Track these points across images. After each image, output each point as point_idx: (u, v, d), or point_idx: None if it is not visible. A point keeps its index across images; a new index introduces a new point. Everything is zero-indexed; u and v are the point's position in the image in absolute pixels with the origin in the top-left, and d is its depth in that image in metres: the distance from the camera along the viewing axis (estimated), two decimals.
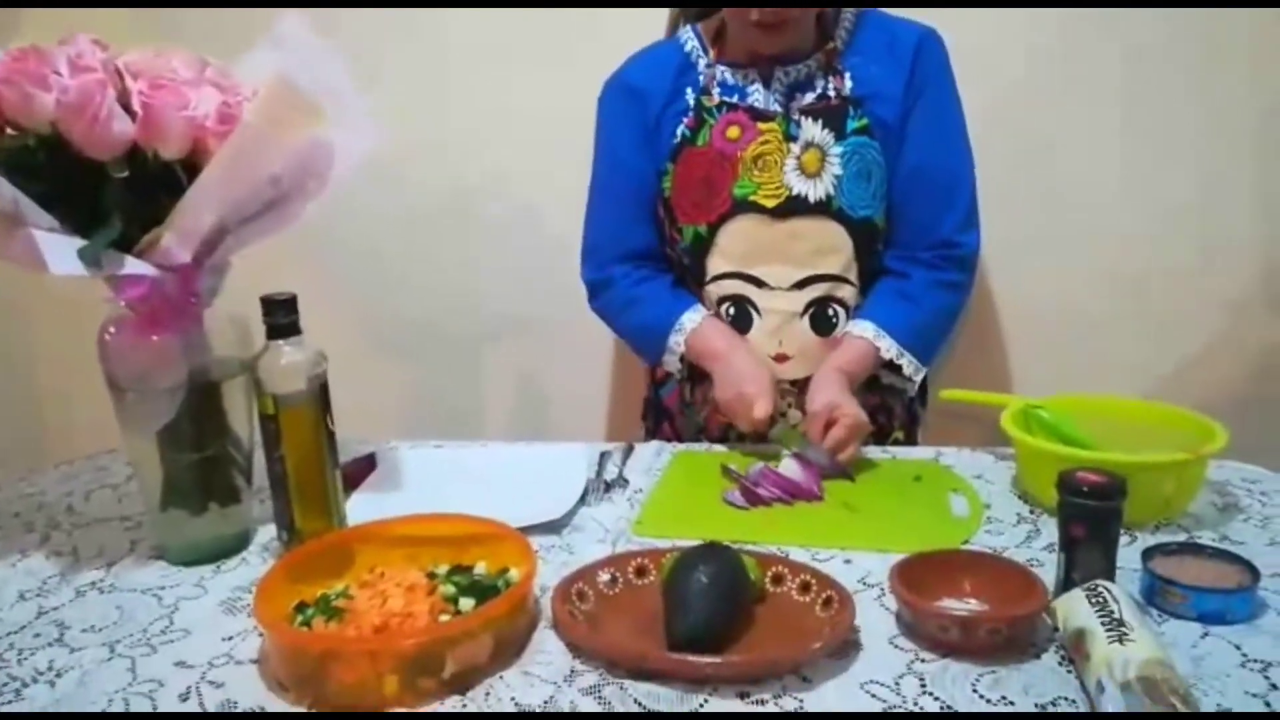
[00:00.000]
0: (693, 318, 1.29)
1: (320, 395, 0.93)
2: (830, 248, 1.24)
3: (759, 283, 1.26)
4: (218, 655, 0.82)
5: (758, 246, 1.25)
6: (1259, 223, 1.55)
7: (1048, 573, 0.87)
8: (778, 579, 0.87)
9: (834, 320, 1.26)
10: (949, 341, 1.34)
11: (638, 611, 0.84)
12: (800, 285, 1.25)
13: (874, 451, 1.24)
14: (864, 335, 1.24)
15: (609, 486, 1.14)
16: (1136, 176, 1.56)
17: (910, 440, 1.38)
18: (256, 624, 0.84)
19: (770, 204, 1.23)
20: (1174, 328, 1.60)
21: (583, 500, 1.09)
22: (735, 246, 1.26)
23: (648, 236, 1.34)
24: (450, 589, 0.85)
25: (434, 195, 1.73)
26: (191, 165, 0.89)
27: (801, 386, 1.26)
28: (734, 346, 1.26)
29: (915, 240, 1.27)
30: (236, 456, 1.01)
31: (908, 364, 1.25)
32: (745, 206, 1.24)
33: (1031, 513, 1.04)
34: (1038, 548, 0.96)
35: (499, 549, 0.90)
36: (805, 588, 0.85)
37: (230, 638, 0.85)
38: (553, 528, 1.03)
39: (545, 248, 1.70)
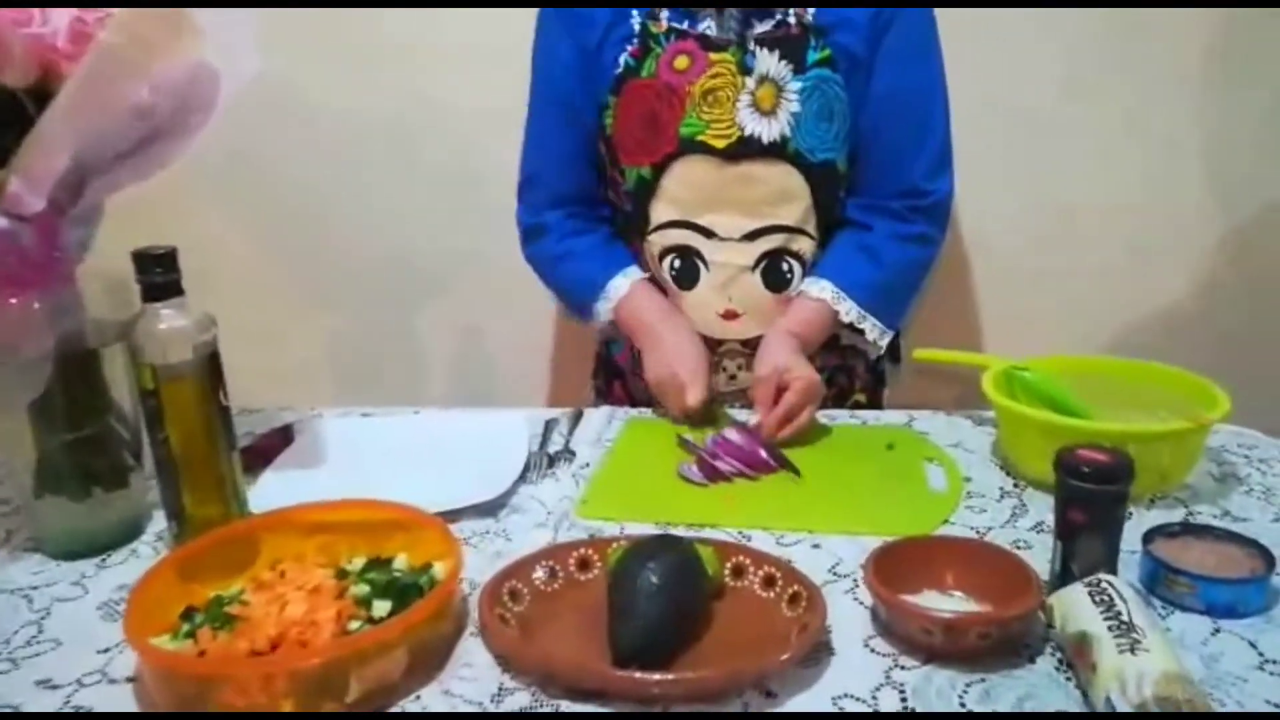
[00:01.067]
0: (620, 285, 1.17)
1: (209, 366, 0.81)
2: (786, 195, 1.12)
3: (707, 233, 1.14)
4: (90, 672, 0.71)
5: (706, 192, 1.12)
6: (1219, 187, 1.47)
7: (1036, 556, 0.78)
8: (738, 571, 0.77)
9: (789, 275, 1.15)
10: (919, 297, 1.23)
11: (580, 612, 0.73)
12: (752, 236, 1.13)
13: (843, 417, 1.14)
14: (821, 296, 1.12)
15: (552, 461, 1.03)
16: (1109, 134, 1.46)
17: (874, 403, 1.29)
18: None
19: (720, 145, 1.10)
20: (1150, 286, 1.52)
21: (524, 476, 0.98)
22: (682, 192, 1.13)
23: (585, 178, 1.21)
24: (363, 589, 0.74)
25: (364, 130, 1.56)
26: (41, 95, 0.75)
27: (752, 346, 1.15)
28: (665, 319, 1.14)
29: (880, 186, 1.15)
30: (122, 433, 0.89)
31: (870, 328, 1.14)
32: (693, 147, 1.11)
33: (1015, 486, 0.95)
34: (1024, 527, 0.87)
35: (422, 539, 0.79)
36: (769, 582, 0.75)
37: (107, 649, 0.73)
38: (488, 509, 0.92)
39: (487, 189, 1.53)
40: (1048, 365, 1.03)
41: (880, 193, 1.15)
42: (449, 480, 0.96)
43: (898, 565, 0.73)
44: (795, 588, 0.73)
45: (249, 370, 1.63)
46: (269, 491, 0.94)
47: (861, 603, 0.75)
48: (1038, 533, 0.85)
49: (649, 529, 0.87)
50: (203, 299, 0.82)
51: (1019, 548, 0.82)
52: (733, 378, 1.18)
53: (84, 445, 0.86)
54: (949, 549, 0.77)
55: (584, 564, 0.78)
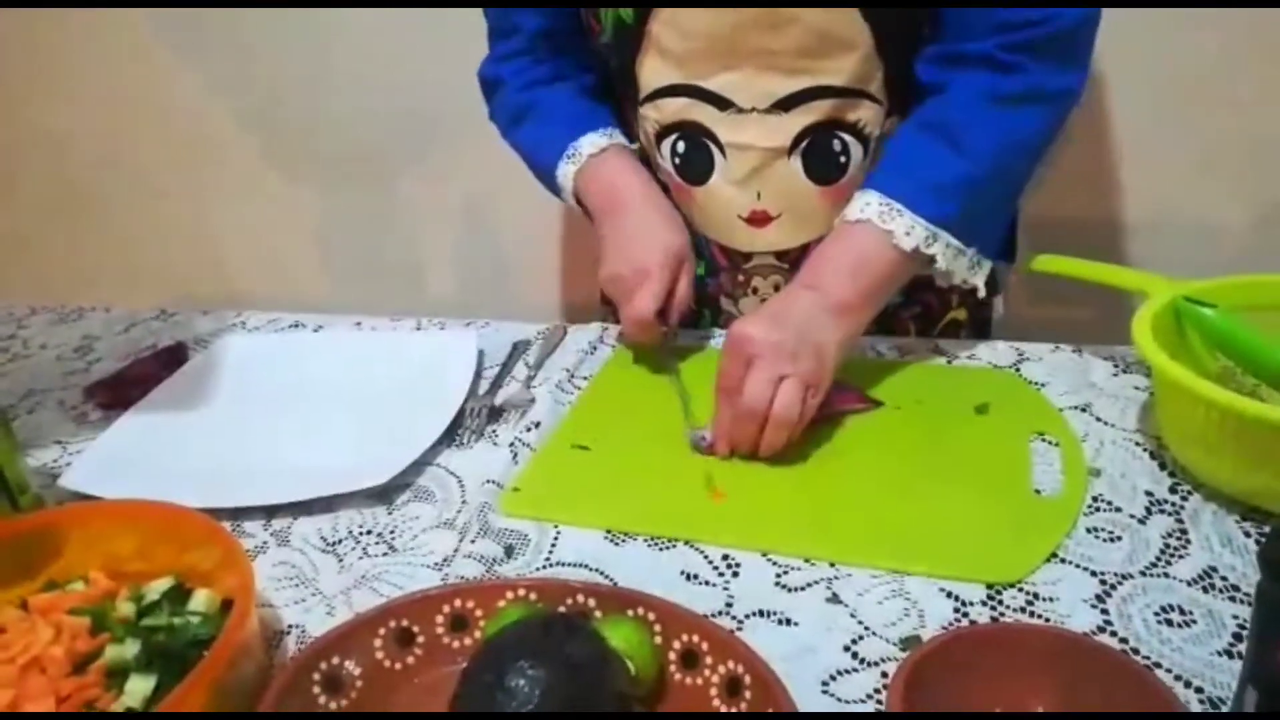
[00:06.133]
0: (595, 142, 0.82)
1: None
2: (834, 42, 0.73)
3: (721, 101, 0.77)
4: None
5: (714, 41, 0.75)
6: None
7: (1200, 641, 0.47)
8: (689, 658, 0.48)
9: (843, 160, 0.77)
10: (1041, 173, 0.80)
11: (439, 705, 0.47)
12: (785, 105, 0.76)
13: (920, 350, 0.81)
14: (863, 216, 0.70)
15: (495, 413, 0.75)
16: None
17: (980, 323, 0.92)
18: None
19: None
20: None
21: (453, 434, 0.71)
22: (678, 41, 0.76)
23: (555, 12, 0.84)
24: (130, 649, 0.50)
25: None
26: None
27: (793, 260, 0.82)
28: (634, 195, 0.80)
29: (962, 21, 0.72)
30: None
31: (947, 255, 0.71)
32: None
33: (1175, 490, 0.61)
34: (1182, 576, 0.54)
35: (233, 568, 0.54)
36: (733, 687, 0.46)
37: None
38: (380, 493, 0.66)
39: None
40: (1234, 290, 0.67)
41: (961, 32, 0.72)
42: (346, 443, 0.71)
43: (948, 671, 0.44)
44: (770, 711, 0.44)
45: (238, 258, 1.42)
46: (107, 448, 0.71)
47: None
48: (1205, 590, 0.53)
49: (596, 538, 0.60)
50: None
51: (1167, 621, 0.50)
52: (764, 301, 0.85)
53: None
54: (1035, 645, 0.46)
55: (460, 622, 0.51)
